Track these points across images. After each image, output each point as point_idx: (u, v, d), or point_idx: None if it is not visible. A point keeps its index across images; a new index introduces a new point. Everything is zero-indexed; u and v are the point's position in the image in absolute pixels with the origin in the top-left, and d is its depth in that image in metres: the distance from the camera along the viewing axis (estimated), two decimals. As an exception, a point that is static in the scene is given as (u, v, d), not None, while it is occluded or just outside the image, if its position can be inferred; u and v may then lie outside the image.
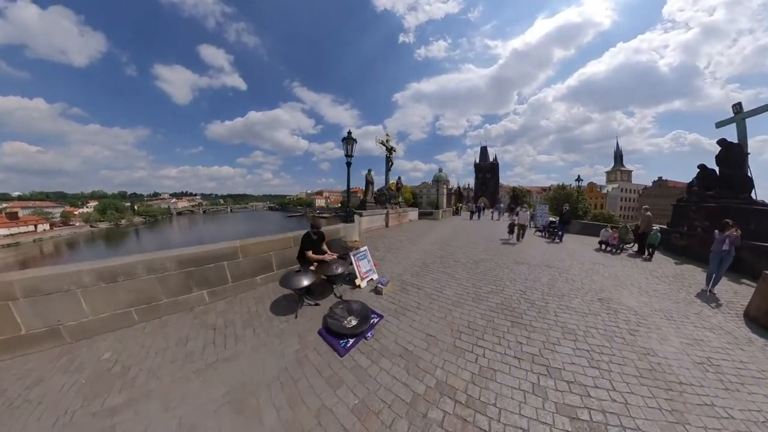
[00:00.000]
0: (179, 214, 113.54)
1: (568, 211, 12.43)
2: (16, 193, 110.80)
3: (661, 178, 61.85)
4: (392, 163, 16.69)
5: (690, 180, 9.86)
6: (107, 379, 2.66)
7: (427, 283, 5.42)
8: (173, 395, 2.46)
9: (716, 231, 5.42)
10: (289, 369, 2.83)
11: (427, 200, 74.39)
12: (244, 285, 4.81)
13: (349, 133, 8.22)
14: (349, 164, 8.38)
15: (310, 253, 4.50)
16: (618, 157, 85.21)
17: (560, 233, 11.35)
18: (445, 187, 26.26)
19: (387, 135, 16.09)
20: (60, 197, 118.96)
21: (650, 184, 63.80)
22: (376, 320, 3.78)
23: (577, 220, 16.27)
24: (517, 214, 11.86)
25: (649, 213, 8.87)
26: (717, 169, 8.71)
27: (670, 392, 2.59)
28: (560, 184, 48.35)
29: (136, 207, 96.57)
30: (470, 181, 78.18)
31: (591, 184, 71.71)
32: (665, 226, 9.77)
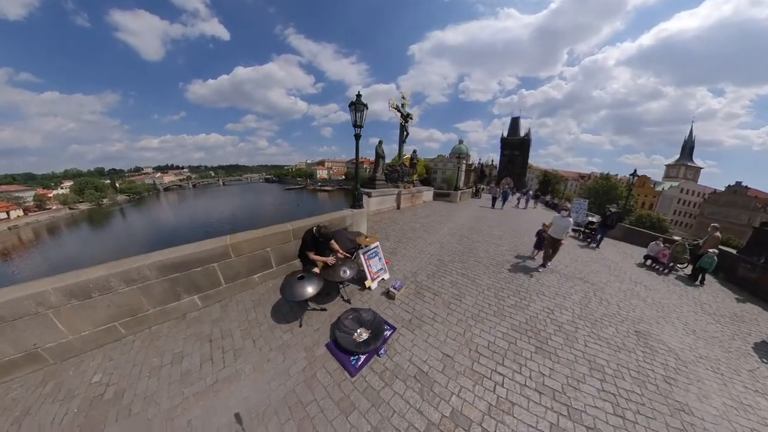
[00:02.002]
0: (166, 189, 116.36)
1: (616, 213, 11.29)
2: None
3: (740, 183, 50.72)
4: (407, 133, 15.91)
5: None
6: (100, 406, 2.80)
7: (444, 287, 5.46)
8: (176, 423, 2.60)
9: None
10: (297, 391, 2.93)
11: (443, 176, 73.48)
12: (240, 285, 4.92)
13: (359, 96, 7.41)
14: (358, 136, 7.65)
15: (312, 255, 4.47)
16: (688, 148, 77.08)
17: (599, 237, 10.83)
18: (464, 162, 25.11)
19: (404, 97, 15.01)
20: (29, 179, 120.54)
21: (722, 189, 53.55)
22: (389, 333, 3.83)
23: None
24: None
25: (718, 234, 8.27)
26: None
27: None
28: (604, 173, 44.18)
29: (117, 184, 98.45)
30: (494, 157, 76.68)
31: (643, 178, 63.63)
32: (734, 251, 8.91)
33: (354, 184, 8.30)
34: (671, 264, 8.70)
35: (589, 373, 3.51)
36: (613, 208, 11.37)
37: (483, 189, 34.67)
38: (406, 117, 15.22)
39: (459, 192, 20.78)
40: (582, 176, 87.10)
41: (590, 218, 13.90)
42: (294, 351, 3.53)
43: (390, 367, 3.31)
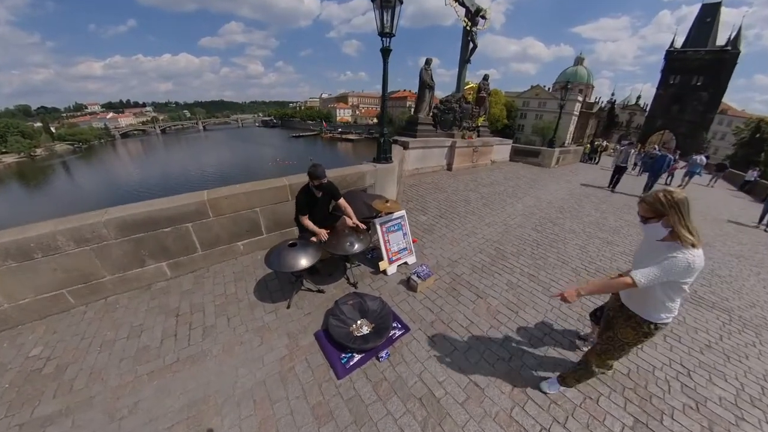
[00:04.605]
0: (125, 135, 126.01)
1: None
2: None
3: None
4: (475, 46, 14.53)
5: None
6: (37, 381, 3.59)
7: (495, 288, 5.63)
8: (121, 403, 3.31)
9: None
10: (268, 384, 3.55)
11: (535, 125, 66.29)
12: (220, 253, 5.75)
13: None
14: (386, 51, 7.04)
15: (306, 221, 4.95)
16: None
17: None
18: (580, 98, 21.77)
19: None
20: None
21: None
22: (398, 333, 4.30)
23: None
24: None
25: None
26: None
27: None
28: None
29: (53, 129, 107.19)
30: (647, 88, 66.37)
31: None
32: None
33: (380, 129, 8.30)
34: None
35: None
36: None
37: (606, 148, 31.34)
38: (473, 15, 13.61)
39: (556, 150, 19.35)
40: None
41: None
42: (274, 336, 4.19)
43: (390, 378, 3.68)
